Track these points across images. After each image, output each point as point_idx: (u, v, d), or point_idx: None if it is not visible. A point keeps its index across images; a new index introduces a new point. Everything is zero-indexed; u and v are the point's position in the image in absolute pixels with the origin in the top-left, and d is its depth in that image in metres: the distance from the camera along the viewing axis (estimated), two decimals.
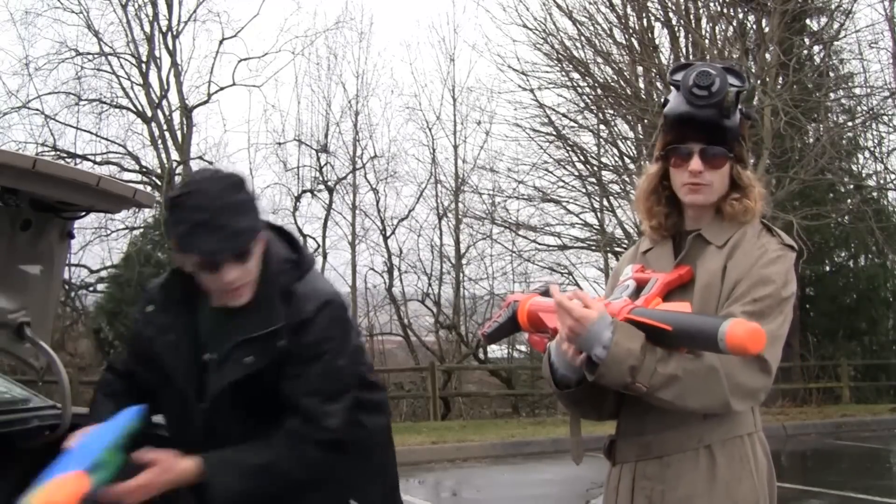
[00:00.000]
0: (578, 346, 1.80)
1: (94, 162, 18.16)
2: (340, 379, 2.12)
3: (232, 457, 2.03)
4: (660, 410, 1.89)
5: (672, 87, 1.98)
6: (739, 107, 1.95)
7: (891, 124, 17.17)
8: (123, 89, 18.55)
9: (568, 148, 17.25)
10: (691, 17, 15.31)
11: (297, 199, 19.45)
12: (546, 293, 1.97)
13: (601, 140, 17.12)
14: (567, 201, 17.65)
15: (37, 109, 17.86)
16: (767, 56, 14.84)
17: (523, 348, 20.91)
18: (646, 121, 14.43)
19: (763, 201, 2.00)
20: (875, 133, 17.91)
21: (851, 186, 17.55)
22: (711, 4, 15.56)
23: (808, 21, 16.65)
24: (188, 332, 2.15)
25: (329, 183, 19.51)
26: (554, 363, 1.94)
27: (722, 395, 1.79)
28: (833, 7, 15.89)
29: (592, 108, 16.85)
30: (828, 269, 18.85)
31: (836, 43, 16.57)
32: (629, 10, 15.70)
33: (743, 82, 1.94)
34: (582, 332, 1.75)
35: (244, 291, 2.07)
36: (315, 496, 2.18)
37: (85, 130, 18.49)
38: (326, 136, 19.59)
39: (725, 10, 15.49)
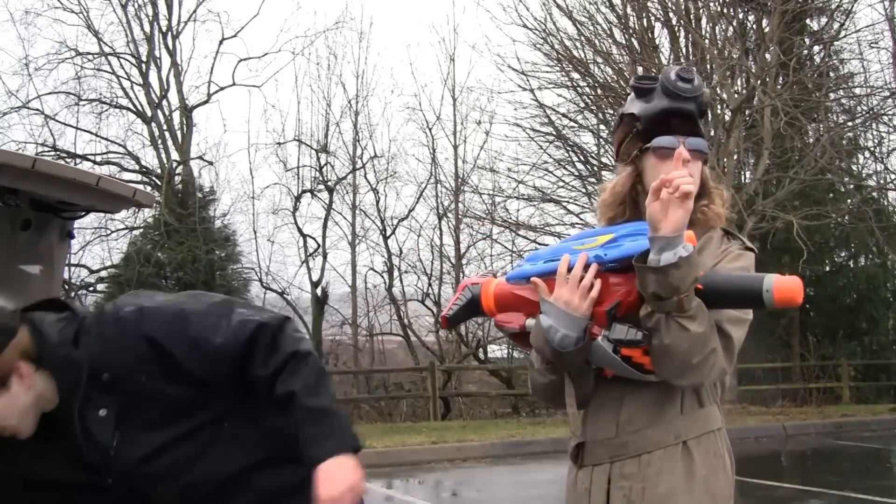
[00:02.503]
0: (652, 232, 1.77)
1: (94, 162, 18.16)
2: (206, 311, 1.90)
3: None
4: (633, 411, 1.93)
5: (636, 92, 2.01)
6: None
7: (891, 124, 17.17)
8: (123, 89, 18.57)
9: (568, 148, 17.26)
10: (691, 17, 15.31)
11: (297, 199, 19.48)
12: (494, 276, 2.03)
13: (601, 140, 17.12)
14: (567, 201, 17.65)
15: (37, 109, 17.88)
16: (767, 56, 14.84)
17: None
18: None
19: (728, 205, 2.04)
20: (875, 133, 17.94)
21: (851, 186, 17.55)
22: (711, 4, 15.55)
23: (808, 21, 16.65)
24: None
25: (329, 183, 19.53)
26: (552, 326, 1.87)
27: (717, 348, 1.82)
28: (833, 7, 15.90)
29: (592, 108, 16.87)
30: (828, 269, 18.84)
31: (836, 43, 16.59)
32: (629, 10, 15.70)
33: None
34: (671, 218, 1.74)
35: (21, 427, 1.81)
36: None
37: (85, 130, 18.51)
38: (326, 136, 19.62)
39: (725, 10, 15.49)
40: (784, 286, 1.72)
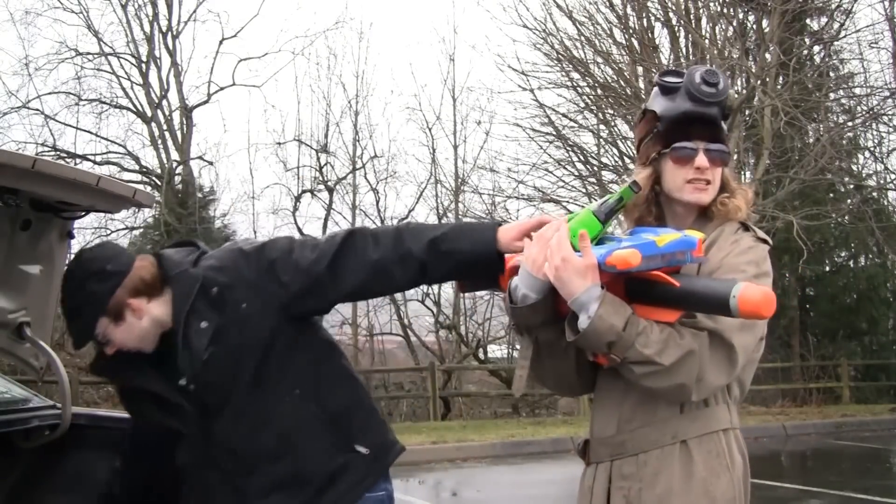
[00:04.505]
0: (563, 295, 1.78)
1: (94, 162, 18.18)
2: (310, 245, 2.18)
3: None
4: (632, 408, 1.90)
5: (660, 89, 1.99)
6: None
7: (891, 124, 17.17)
8: (123, 89, 18.59)
9: (568, 148, 17.24)
10: (691, 17, 15.31)
11: (297, 199, 19.49)
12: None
13: (601, 140, 17.11)
14: (567, 201, 17.61)
15: (37, 109, 17.90)
16: (767, 56, 14.83)
17: None
18: None
19: (750, 205, 2.00)
20: (875, 133, 17.94)
21: (851, 186, 17.55)
22: (711, 4, 15.55)
23: (808, 21, 16.65)
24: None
25: (329, 183, 19.53)
26: (517, 286, 1.87)
27: (689, 382, 1.78)
28: (833, 7, 15.90)
29: (592, 108, 16.84)
30: (828, 269, 18.84)
31: (836, 43, 16.58)
32: (629, 10, 15.70)
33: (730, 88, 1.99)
34: (568, 287, 1.76)
35: (144, 346, 2.14)
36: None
37: (85, 130, 18.53)
38: (326, 136, 19.62)
39: (725, 10, 15.49)
40: (750, 296, 1.64)
